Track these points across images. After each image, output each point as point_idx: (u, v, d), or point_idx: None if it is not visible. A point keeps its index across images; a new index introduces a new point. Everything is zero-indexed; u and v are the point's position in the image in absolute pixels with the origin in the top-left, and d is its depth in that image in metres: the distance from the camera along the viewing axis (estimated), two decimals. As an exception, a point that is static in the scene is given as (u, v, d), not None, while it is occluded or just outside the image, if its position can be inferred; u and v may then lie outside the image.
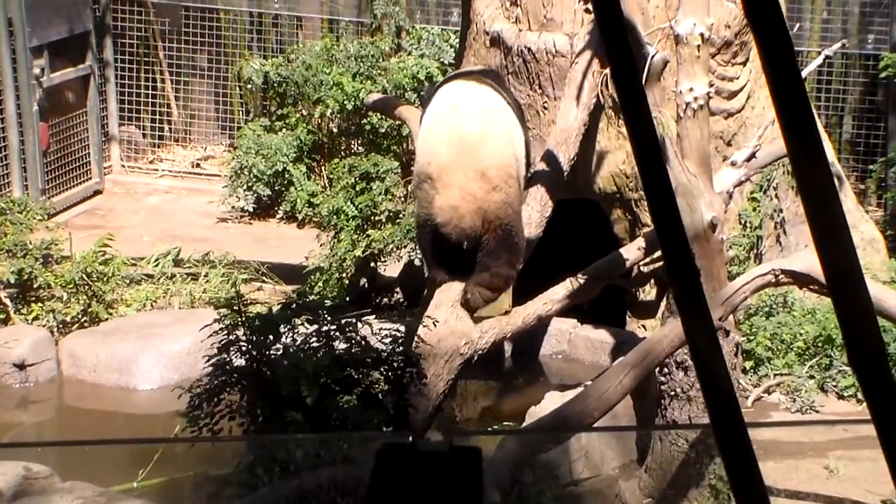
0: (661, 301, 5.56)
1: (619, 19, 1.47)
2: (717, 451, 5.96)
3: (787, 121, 1.33)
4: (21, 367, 7.31)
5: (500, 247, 6.23)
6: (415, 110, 7.72)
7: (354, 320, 5.39)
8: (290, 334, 5.31)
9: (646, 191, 1.44)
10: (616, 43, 1.44)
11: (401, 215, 8.37)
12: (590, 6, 6.06)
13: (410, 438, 1.77)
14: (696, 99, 5.67)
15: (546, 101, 7.39)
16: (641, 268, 7.14)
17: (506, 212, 6.22)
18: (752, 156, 6.35)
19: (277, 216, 10.29)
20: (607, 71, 6.39)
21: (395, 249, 8.34)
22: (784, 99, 1.32)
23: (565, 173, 6.86)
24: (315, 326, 5.33)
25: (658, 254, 6.82)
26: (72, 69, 10.56)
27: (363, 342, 5.31)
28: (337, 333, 5.29)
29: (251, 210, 10.37)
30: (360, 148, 9.63)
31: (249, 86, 10.95)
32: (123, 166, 11.42)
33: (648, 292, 7.31)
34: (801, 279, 5.91)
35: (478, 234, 6.18)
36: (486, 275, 6.24)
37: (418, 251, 7.88)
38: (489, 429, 6.99)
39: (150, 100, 11.50)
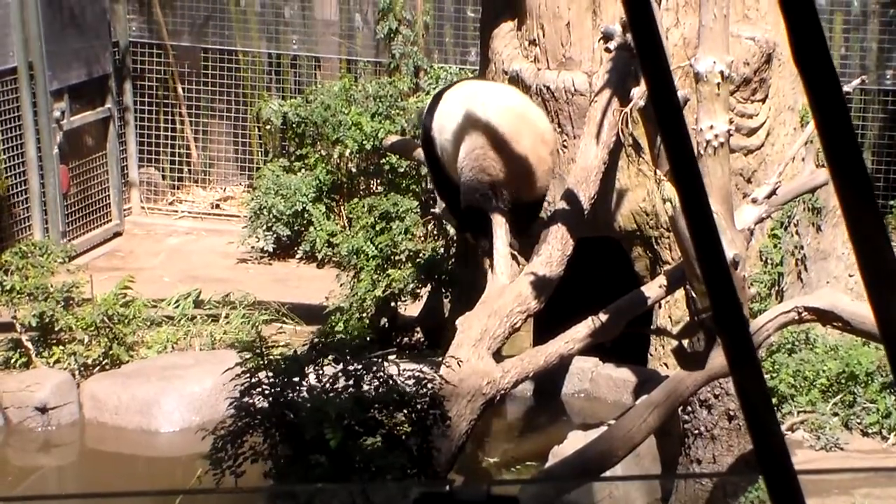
0: (710, 351, 5.51)
1: (657, 38, 1.44)
2: (751, 492, 5.87)
3: (837, 165, 1.30)
4: (43, 410, 7.29)
5: (534, 212, 7.05)
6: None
7: (381, 360, 5.36)
8: (316, 375, 5.28)
9: (691, 231, 1.41)
10: (654, 65, 1.41)
11: (421, 254, 8.35)
12: (609, 45, 6.06)
13: (448, 488, 1.73)
14: (716, 136, 5.64)
15: (566, 140, 7.38)
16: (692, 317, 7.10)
17: (550, 177, 7.02)
18: (773, 192, 6.32)
19: (297, 256, 10.28)
20: (627, 109, 6.38)
21: (415, 289, 8.32)
22: (833, 143, 1.29)
23: (586, 211, 6.83)
24: (341, 366, 5.30)
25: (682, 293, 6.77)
26: (91, 112, 10.60)
27: (391, 381, 5.27)
28: (364, 373, 5.26)
29: (271, 250, 10.36)
30: (379, 188, 9.63)
31: (268, 126, 10.97)
32: (143, 208, 11.43)
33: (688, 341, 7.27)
34: (825, 316, 5.85)
35: (543, 194, 6.99)
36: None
37: (430, 286, 7.94)
38: (522, 478, 6.93)
39: (169, 142, 11.52)
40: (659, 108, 1.45)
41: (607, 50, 6.26)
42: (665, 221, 7.16)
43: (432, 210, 8.16)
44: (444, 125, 7.06)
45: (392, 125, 9.77)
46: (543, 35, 7.48)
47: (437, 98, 7.30)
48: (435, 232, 8.76)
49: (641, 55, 1.47)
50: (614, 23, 6.64)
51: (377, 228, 8.45)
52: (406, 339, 8.53)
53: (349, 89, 10.19)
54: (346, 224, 9.84)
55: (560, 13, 7.40)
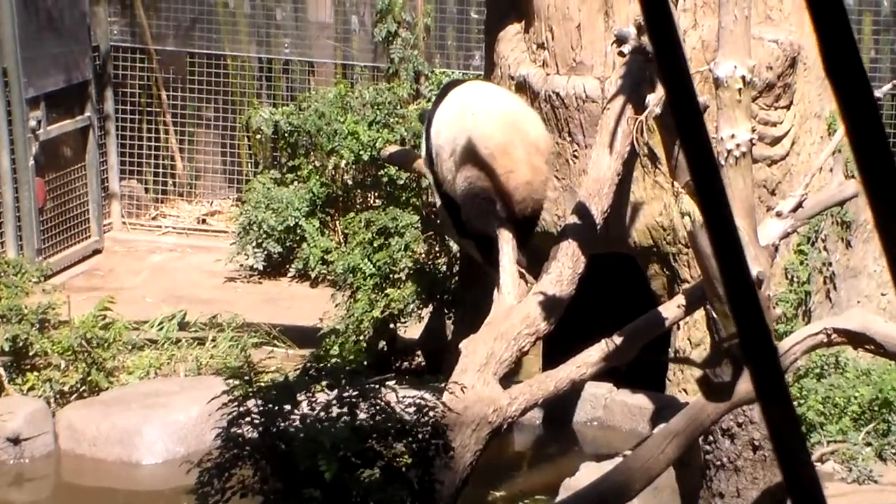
0: (737, 381, 5.49)
1: (676, 40, 1.43)
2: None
3: (868, 175, 1.28)
4: (15, 441, 7.26)
5: (531, 224, 7.14)
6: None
7: (378, 386, 5.34)
8: (309, 403, 5.26)
9: (714, 247, 1.39)
10: (673, 68, 1.40)
11: (422, 272, 8.34)
12: (623, 49, 6.05)
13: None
14: (738, 146, 5.62)
15: (576, 150, 7.38)
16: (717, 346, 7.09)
17: (546, 187, 7.18)
18: (799, 205, 6.30)
19: (289, 275, 10.28)
20: (642, 117, 6.37)
21: (415, 310, 8.30)
22: (864, 151, 1.28)
23: (598, 226, 6.82)
24: (335, 393, 5.28)
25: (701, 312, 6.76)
26: (70, 121, 10.60)
27: (389, 410, 5.25)
28: (360, 401, 5.24)
29: (261, 268, 10.36)
30: (377, 201, 9.63)
31: (258, 136, 10.97)
32: (124, 223, 11.42)
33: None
34: (856, 338, 5.83)
35: (542, 205, 7.13)
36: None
37: (431, 306, 7.94)
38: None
39: (152, 152, 11.53)
40: (679, 113, 1.43)
41: (621, 54, 6.25)
42: (683, 237, 7.15)
43: (435, 218, 8.16)
44: (440, 130, 7.19)
45: (391, 134, 9.77)
46: (552, 38, 7.48)
47: (444, 93, 7.41)
48: (437, 248, 8.75)
49: (659, 57, 1.45)
50: (628, 25, 6.63)
51: (375, 245, 8.44)
52: (406, 364, 8.51)
53: (345, 96, 10.19)
54: (342, 240, 9.83)
55: (570, 15, 7.40)
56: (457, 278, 8.49)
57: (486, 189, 6.93)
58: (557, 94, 7.35)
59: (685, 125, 1.41)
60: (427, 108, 9.21)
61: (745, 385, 5.56)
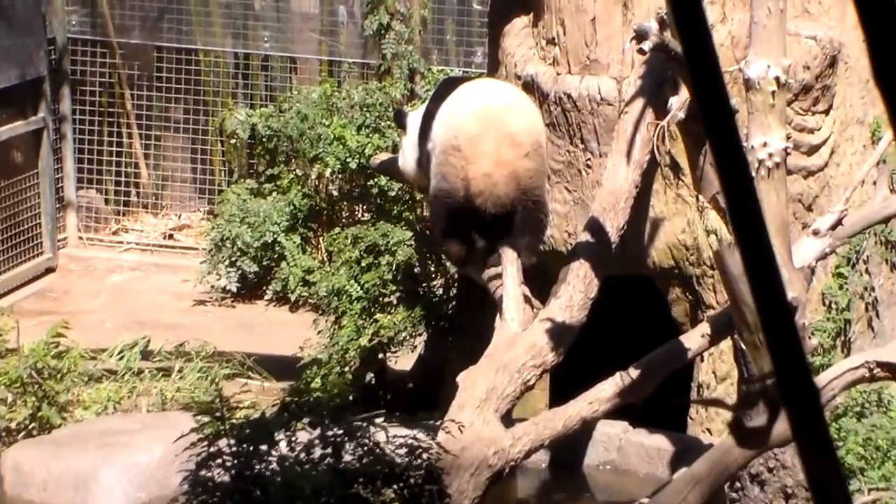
0: (773, 425, 5.47)
1: (706, 33, 1.41)
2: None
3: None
4: (-44, 483, 7.23)
5: (525, 224, 7.07)
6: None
7: (366, 424, 5.33)
8: (288, 443, 5.24)
9: (746, 270, 1.37)
10: (702, 65, 1.38)
11: (419, 292, 8.34)
12: (643, 45, 6.03)
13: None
14: (770, 156, 5.61)
15: (590, 159, 7.37)
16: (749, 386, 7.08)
17: (536, 182, 7.08)
18: (839, 223, 6.28)
19: (266, 298, 10.28)
20: (664, 122, 6.36)
21: (408, 338, 8.29)
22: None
23: (613, 245, 6.82)
24: (317, 431, 5.27)
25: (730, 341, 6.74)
26: (21, 122, 10.60)
27: (377, 451, 5.24)
28: (345, 440, 5.22)
29: (235, 290, 10.36)
30: (365, 215, 9.63)
31: (233, 141, 10.97)
32: (81, 238, 11.41)
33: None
34: (902, 373, 5.82)
35: (511, 202, 7.04)
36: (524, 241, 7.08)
37: (426, 334, 8.13)
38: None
39: (114, 158, 11.53)
40: (708, 116, 1.42)
41: (640, 51, 6.23)
42: (709, 257, 7.14)
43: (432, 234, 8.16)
44: (437, 129, 7.35)
45: (382, 140, 9.76)
46: (564, 33, 7.49)
47: (445, 90, 7.55)
48: (432, 268, 8.74)
49: (687, 54, 1.43)
50: (649, 18, 6.63)
51: (363, 264, 8.43)
52: (397, 399, 8.48)
53: (331, 96, 10.18)
54: (326, 259, 9.82)
55: (584, 6, 7.41)
56: (454, 303, 8.48)
57: (448, 185, 7.07)
58: (569, 96, 7.35)
59: (715, 130, 1.40)
60: (404, 108, 9.21)
61: (780, 426, 5.54)
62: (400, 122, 8.01)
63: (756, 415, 5.54)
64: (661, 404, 7.26)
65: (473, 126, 7.09)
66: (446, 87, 7.62)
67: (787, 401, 1.13)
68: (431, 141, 7.39)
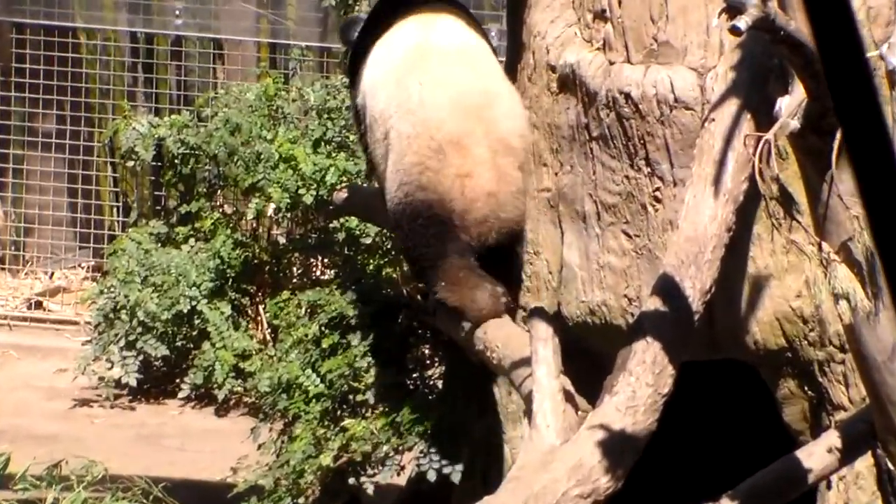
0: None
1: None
2: None
3: None
4: None
5: (503, 260, 7.57)
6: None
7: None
8: None
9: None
10: (835, 43, 1.39)
11: (406, 385, 8.35)
12: (738, 22, 6.03)
13: None
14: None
15: (659, 189, 7.39)
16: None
17: (522, 204, 7.61)
18: None
19: (180, 395, 10.33)
20: (769, 135, 6.37)
21: (391, 453, 8.29)
22: None
23: (696, 316, 6.82)
24: None
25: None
26: None
27: None
28: None
29: (134, 384, 10.38)
30: (327, 272, 9.62)
31: (131, 163, 10.97)
32: None
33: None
34: None
35: (516, 231, 7.57)
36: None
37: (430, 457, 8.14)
38: None
39: (-46, 190, 11.55)
40: (848, 122, 1.43)
41: (734, 31, 6.26)
42: (838, 334, 7.15)
43: (423, 299, 8.17)
44: (375, 85, 7.75)
45: (350, 161, 9.79)
46: (619, 2, 7.52)
47: (386, 13, 7.99)
48: (426, 350, 8.75)
49: (815, 28, 1.45)
50: (745, -18, 6.66)
51: (324, 345, 8.45)
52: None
53: (274, 97, 10.20)
54: (269, 337, 9.83)
55: (649, -35, 7.45)
56: (459, 397, 8.47)
57: (432, 204, 7.33)
58: (628, 96, 7.37)
59: (858, 143, 1.40)
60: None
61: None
62: (344, 36, 8.43)
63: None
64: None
65: (454, 120, 7.41)
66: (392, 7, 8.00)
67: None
68: (367, 106, 7.74)
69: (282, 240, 10.22)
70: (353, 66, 8.05)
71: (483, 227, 7.36)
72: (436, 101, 7.45)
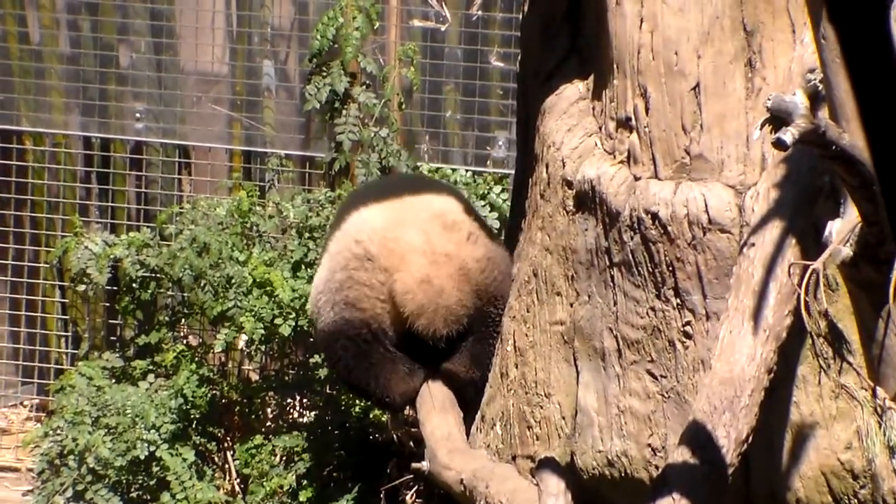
0: None
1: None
2: None
3: None
4: None
5: (481, 337, 7.83)
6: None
7: None
8: None
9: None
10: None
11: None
12: (783, 134, 6.04)
13: None
14: None
15: (689, 322, 7.39)
16: None
17: (491, 275, 7.85)
18: None
19: (136, 559, 10.28)
20: (817, 264, 6.38)
21: None
22: None
23: (730, 468, 6.82)
24: None
25: None
26: None
27: None
28: None
29: (84, 545, 10.35)
30: (305, 413, 9.62)
31: (82, 287, 10.98)
32: None
33: None
34: None
35: (469, 313, 7.79)
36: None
37: None
38: None
39: None
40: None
41: (778, 145, 6.28)
42: (893, 492, 7.15)
43: (416, 465, 8.18)
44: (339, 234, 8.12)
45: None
46: (647, 109, 7.54)
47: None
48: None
49: (873, 142, 1.46)
50: (790, 85, 6.67)
51: (302, 499, 8.44)
52: None
53: (248, 213, 10.23)
54: (238, 488, 9.82)
55: (681, 65, 7.46)
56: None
57: (361, 313, 7.64)
58: (656, 217, 7.38)
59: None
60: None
61: None
62: None
63: None
64: None
65: (382, 216, 7.70)
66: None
67: None
68: (317, 289, 7.99)
69: (254, 376, 10.22)
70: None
71: (423, 321, 7.63)
72: (362, 212, 7.80)
